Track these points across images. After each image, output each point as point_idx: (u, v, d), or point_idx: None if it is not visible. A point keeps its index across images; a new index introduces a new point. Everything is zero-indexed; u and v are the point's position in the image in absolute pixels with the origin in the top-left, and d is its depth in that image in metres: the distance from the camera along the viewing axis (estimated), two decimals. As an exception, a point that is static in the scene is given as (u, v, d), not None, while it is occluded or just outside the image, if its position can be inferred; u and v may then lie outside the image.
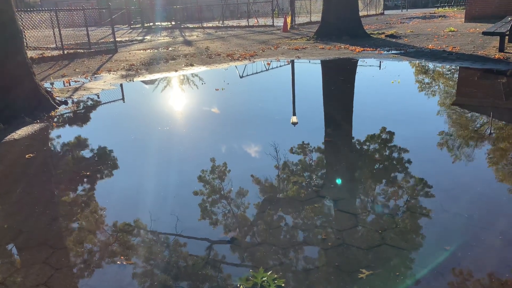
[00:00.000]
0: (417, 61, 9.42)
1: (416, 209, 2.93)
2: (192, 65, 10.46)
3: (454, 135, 4.49)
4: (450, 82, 7.42)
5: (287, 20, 21.66)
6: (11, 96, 5.95)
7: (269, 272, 2.26)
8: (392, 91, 6.85)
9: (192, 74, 9.37)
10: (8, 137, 5.17)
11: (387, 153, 4.09)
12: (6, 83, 5.94)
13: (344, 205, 3.04)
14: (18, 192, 3.54)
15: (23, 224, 2.99)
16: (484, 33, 9.43)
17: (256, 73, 9.36)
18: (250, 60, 10.90)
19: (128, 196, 3.45)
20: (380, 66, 9.15)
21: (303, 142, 4.44)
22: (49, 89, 7.17)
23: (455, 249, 2.41)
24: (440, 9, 39.37)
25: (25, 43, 6.71)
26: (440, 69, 8.55)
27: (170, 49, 14.80)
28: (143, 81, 8.74)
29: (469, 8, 20.01)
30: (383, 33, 16.16)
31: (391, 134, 4.60)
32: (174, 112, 6.37)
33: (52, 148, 4.85)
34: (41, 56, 12.52)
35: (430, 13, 32.42)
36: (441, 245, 2.46)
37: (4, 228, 2.94)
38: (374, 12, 35.07)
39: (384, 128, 4.77)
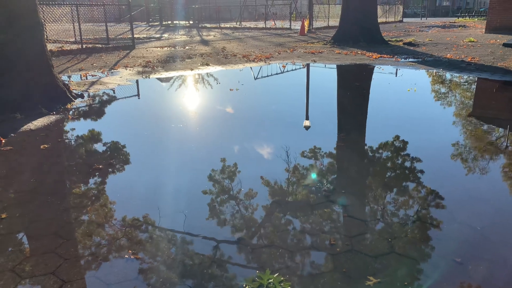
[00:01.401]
0: (435, 70, 9.31)
1: (427, 219, 2.89)
2: (208, 64, 10.50)
3: (469, 146, 4.42)
4: (467, 92, 7.31)
5: (305, 23, 21.64)
6: (30, 87, 6.05)
7: (276, 274, 2.25)
8: (407, 99, 6.78)
9: (207, 73, 9.41)
10: (25, 127, 5.25)
11: (399, 162, 4.04)
12: (26, 74, 6.05)
13: (354, 211, 3.02)
14: (31, 181, 3.59)
15: (35, 213, 3.04)
16: (505, 45, 9.30)
17: (271, 75, 9.36)
18: (265, 62, 10.90)
19: (138, 191, 3.48)
20: (396, 74, 9.07)
21: (314, 146, 4.42)
22: (66, 82, 7.27)
23: (466, 261, 2.37)
24: (460, 18, 38.91)
25: (45, 36, 6.81)
26: (458, 79, 8.44)
27: (187, 47, 14.89)
28: (158, 78, 8.80)
29: (490, 19, 19.71)
30: (401, 40, 16.03)
31: (405, 142, 4.55)
32: (187, 110, 6.40)
33: (67, 140, 4.91)
34: (60, 49, 12.71)
35: (450, 22, 32.06)
36: (451, 256, 2.42)
37: (16, 216, 2.98)
38: (393, 19, 34.82)
39: (397, 136, 4.72)
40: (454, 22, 31.82)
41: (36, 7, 6.28)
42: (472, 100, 6.75)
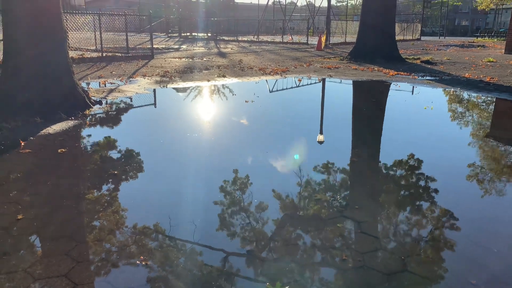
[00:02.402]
0: (452, 89, 9.23)
1: (441, 239, 2.84)
2: (224, 76, 10.61)
3: (486, 167, 4.35)
4: (485, 113, 7.22)
5: (322, 39, 21.74)
6: (51, 92, 6.19)
7: (286, 287, 2.24)
8: (424, 117, 6.73)
9: (223, 85, 9.50)
10: (44, 131, 5.36)
11: (413, 180, 4.00)
12: (47, 79, 6.20)
13: (367, 227, 2.98)
14: (48, 184, 3.65)
15: (50, 215, 3.08)
16: (525, 66, 9.17)
17: (287, 88, 9.40)
18: (281, 76, 10.96)
19: (151, 198, 3.50)
20: (413, 91, 9.02)
21: (328, 161, 4.41)
22: (85, 89, 7.42)
23: (481, 284, 2.32)
24: (479, 38, 38.63)
25: (67, 43, 6.99)
26: (475, 99, 8.35)
27: (204, 59, 15.08)
28: (176, 88, 8.92)
29: (510, 39, 19.52)
30: (419, 58, 15.96)
31: (419, 161, 4.50)
32: (203, 121, 6.45)
33: (84, 145, 4.99)
34: (81, 56, 13.01)
35: (468, 41, 31.84)
36: (467, 278, 2.37)
37: (32, 218, 3.03)
38: (411, 37, 34.75)
39: (412, 155, 4.68)
40: (473, 42, 31.58)
41: (60, 15, 6.47)
42: (490, 120, 6.66)
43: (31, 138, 5.05)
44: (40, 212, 3.13)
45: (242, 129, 5.89)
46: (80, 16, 14.45)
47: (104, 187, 3.67)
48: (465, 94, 8.79)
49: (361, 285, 2.30)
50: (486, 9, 46.58)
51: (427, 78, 10.89)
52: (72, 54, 11.50)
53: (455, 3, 61.07)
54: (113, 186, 3.72)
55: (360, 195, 3.61)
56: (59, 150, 4.59)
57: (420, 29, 36.74)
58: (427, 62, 14.82)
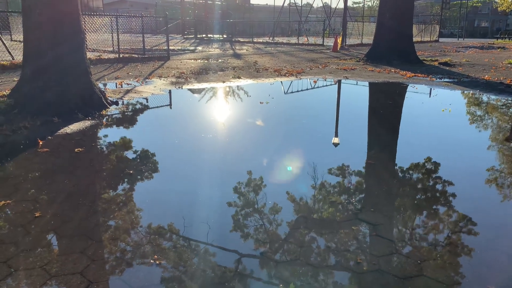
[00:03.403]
0: (471, 92, 9.07)
1: (459, 244, 2.78)
2: (239, 77, 10.63)
3: (505, 172, 4.25)
4: (505, 116, 7.06)
5: (338, 40, 21.62)
6: (68, 93, 6.30)
7: (299, 290, 2.22)
8: (441, 120, 6.62)
9: (238, 86, 9.52)
10: (61, 130, 5.45)
11: (430, 184, 3.93)
12: (65, 80, 6.30)
13: (382, 230, 2.94)
14: (64, 183, 3.71)
15: (67, 213, 3.12)
16: (547, 68, 8.95)
17: (302, 90, 9.37)
18: (297, 77, 10.93)
19: (165, 198, 3.52)
20: (430, 93, 8.89)
21: (343, 164, 4.37)
22: (102, 89, 7.52)
23: (499, 291, 2.26)
24: (499, 40, 37.86)
25: (85, 45, 7.11)
26: (495, 102, 8.18)
27: (219, 60, 15.14)
28: (191, 89, 8.97)
29: (531, 41, 19.07)
30: (437, 60, 15.73)
31: (437, 164, 4.43)
32: (217, 122, 6.47)
33: (100, 145, 5.06)
34: (98, 57, 13.20)
35: (488, 43, 31.25)
36: (484, 283, 2.32)
37: (49, 216, 3.07)
38: (429, 39, 34.28)
39: (429, 158, 4.60)
40: (493, 44, 30.98)
41: (79, 17, 6.57)
42: (510, 124, 6.52)
43: (49, 137, 5.14)
44: (57, 210, 3.18)
45: (256, 130, 5.89)
46: (98, 18, 14.67)
47: (120, 187, 3.71)
48: (484, 97, 8.61)
49: (376, 289, 2.27)
50: (507, 10, 45.59)
51: (445, 80, 10.72)
52: (89, 55, 11.67)
53: (474, 4, 60.01)
54: (128, 185, 3.75)
55: (376, 198, 3.56)
56: (76, 150, 4.66)
57: (438, 30, 36.21)
58: (445, 64, 14.59)
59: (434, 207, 3.39)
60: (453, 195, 3.62)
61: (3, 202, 3.27)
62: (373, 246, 2.75)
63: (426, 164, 4.44)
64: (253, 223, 3.08)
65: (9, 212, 3.14)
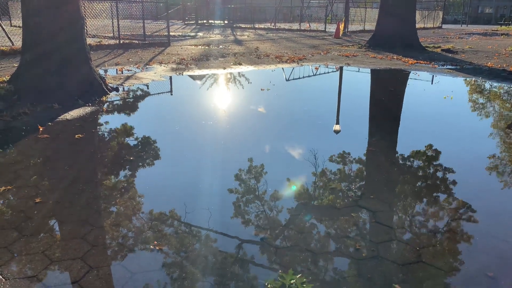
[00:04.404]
0: (473, 79, 9.00)
1: (458, 231, 2.79)
2: (240, 64, 10.56)
3: (506, 160, 4.24)
4: (507, 104, 7.02)
5: (340, 26, 21.41)
6: (68, 79, 6.27)
7: (298, 275, 2.23)
8: (443, 107, 6.58)
9: (239, 72, 9.46)
10: (61, 116, 5.44)
11: (431, 171, 3.92)
12: (66, 66, 6.27)
13: (382, 217, 2.95)
14: (65, 170, 3.71)
15: (67, 199, 3.13)
16: (551, 55, 8.86)
17: (303, 77, 9.31)
18: (298, 64, 10.85)
19: (166, 185, 3.53)
20: (432, 80, 8.83)
21: (343, 151, 4.36)
22: (102, 76, 7.48)
23: (499, 276, 2.27)
24: (503, 27, 37.44)
25: (85, 31, 7.05)
26: (497, 89, 8.12)
27: (220, 46, 15.03)
28: (191, 76, 8.92)
29: (535, 28, 18.85)
30: (439, 47, 15.59)
31: (437, 152, 4.41)
32: (218, 108, 6.45)
33: (100, 131, 5.05)
34: (98, 43, 13.11)
35: (492, 30, 30.92)
36: (483, 270, 2.33)
37: (50, 202, 3.08)
38: (432, 25, 33.91)
39: (430, 145, 4.59)
40: (497, 30, 30.64)
41: (79, 2, 6.50)
42: (512, 111, 6.48)
43: (49, 123, 5.13)
44: (57, 196, 3.19)
45: (257, 117, 5.87)
46: (97, 3, 14.53)
47: (121, 173, 3.71)
48: (487, 84, 8.56)
49: (375, 275, 2.28)
50: (511, -4, 44.93)
51: (447, 67, 10.64)
52: (89, 41, 11.58)
53: (478, -10, 59.08)
54: (129, 172, 3.76)
55: (376, 185, 3.56)
56: (76, 136, 4.65)
57: (441, 16, 35.78)
58: (448, 50, 14.46)
59: (434, 194, 3.39)
60: (454, 183, 3.62)
61: (4, 187, 3.28)
62: (372, 233, 2.75)
63: (427, 151, 4.43)
64: (254, 209, 3.09)
65: (10, 197, 3.15)
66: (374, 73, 9.83)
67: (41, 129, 4.86)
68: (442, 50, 14.64)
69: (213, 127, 5.21)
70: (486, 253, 2.51)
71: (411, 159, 4.24)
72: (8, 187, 3.30)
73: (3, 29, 12.35)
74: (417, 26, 18.51)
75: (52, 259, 2.38)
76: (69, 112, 5.65)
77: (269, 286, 2.16)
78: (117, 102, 6.49)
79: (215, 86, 8.15)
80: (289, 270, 2.26)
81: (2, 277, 2.22)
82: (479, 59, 12.17)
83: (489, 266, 2.37)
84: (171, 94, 7.40)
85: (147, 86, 7.71)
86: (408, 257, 2.45)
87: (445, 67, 10.64)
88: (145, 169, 3.85)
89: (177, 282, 2.24)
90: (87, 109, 5.87)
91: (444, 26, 36.27)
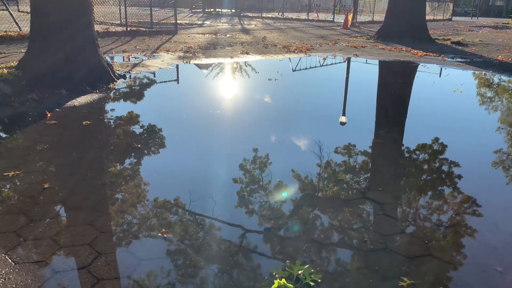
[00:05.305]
0: (484, 72, 8.89)
1: (467, 224, 2.77)
2: (247, 53, 10.49)
3: (516, 153, 4.19)
4: (518, 97, 6.93)
5: (349, 17, 21.18)
6: (76, 65, 6.26)
7: (306, 266, 2.23)
8: (452, 100, 6.51)
9: (246, 62, 9.41)
10: (69, 103, 5.45)
11: (438, 164, 3.89)
12: (73, 53, 6.25)
13: (390, 210, 2.93)
14: (72, 156, 3.72)
15: (75, 185, 3.14)
16: None
17: (311, 67, 9.24)
18: (306, 54, 10.77)
19: (172, 172, 3.53)
20: (441, 73, 8.73)
21: (349, 143, 4.33)
22: (110, 63, 7.46)
23: (508, 271, 2.25)
24: (514, 20, 36.84)
25: (93, 17, 7.01)
26: (507, 83, 8.02)
27: (228, 35, 14.93)
28: (198, 64, 8.89)
29: (548, 22, 18.54)
30: (449, 39, 15.39)
31: (444, 146, 4.37)
32: (225, 98, 6.42)
33: (108, 118, 5.05)
34: (106, 30, 13.07)
35: (503, 23, 30.45)
36: (492, 265, 2.31)
37: (57, 188, 3.10)
38: (442, 17, 33.47)
39: (437, 139, 4.54)
40: (508, 23, 30.18)
41: (86, -12, 6.46)
42: (523, 105, 6.40)
43: (57, 110, 5.14)
44: (65, 182, 3.20)
45: (264, 107, 5.84)
46: (105, -10, 14.44)
47: (127, 160, 3.71)
48: (497, 78, 8.45)
49: (383, 267, 2.27)
50: (524, -11, 44.18)
51: (457, 60, 10.51)
52: (97, 28, 11.55)
53: (490, -18, 58.13)
54: (136, 159, 3.76)
55: (383, 177, 3.54)
56: (83, 122, 4.66)
57: (451, 8, 35.27)
58: (458, 43, 14.28)
59: (442, 188, 3.37)
60: (461, 177, 3.58)
61: (12, 172, 3.29)
62: (380, 225, 2.74)
63: (434, 144, 4.39)
64: (257, 199, 3.09)
65: (18, 183, 3.16)
66: (383, 64, 9.74)
67: (49, 115, 4.87)
68: (452, 42, 14.46)
69: (219, 117, 5.19)
70: (495, 247, 2.49)
71: (419, 151, 4.20)
72: (17, 171, 3.32)
73: (11, 14, 12.33)
74: (427, 18, 18.27)
75: (60, 244, 2.40)
76: (77, 99, 5.65)
77: (276, 275, 2.16)
78: (124, 89, 6.48)
79: (222, 75, 8.11)
80: (296, 260, 2.26)
81: (12, 261, 2.24)
82: (490, 53, 12.01)
83: (498, 260, 2.35)
84: (178, 83, 7.38)
85: (154, 74, 7.69)
86: (416, 250, 2.44)
87: (454, 60, 10.51)
88: (152, 157, 3.85)
89: (187, 269, 2.25)
90: (95, 96, 5.86)
91: (454, 18, 35.78)
